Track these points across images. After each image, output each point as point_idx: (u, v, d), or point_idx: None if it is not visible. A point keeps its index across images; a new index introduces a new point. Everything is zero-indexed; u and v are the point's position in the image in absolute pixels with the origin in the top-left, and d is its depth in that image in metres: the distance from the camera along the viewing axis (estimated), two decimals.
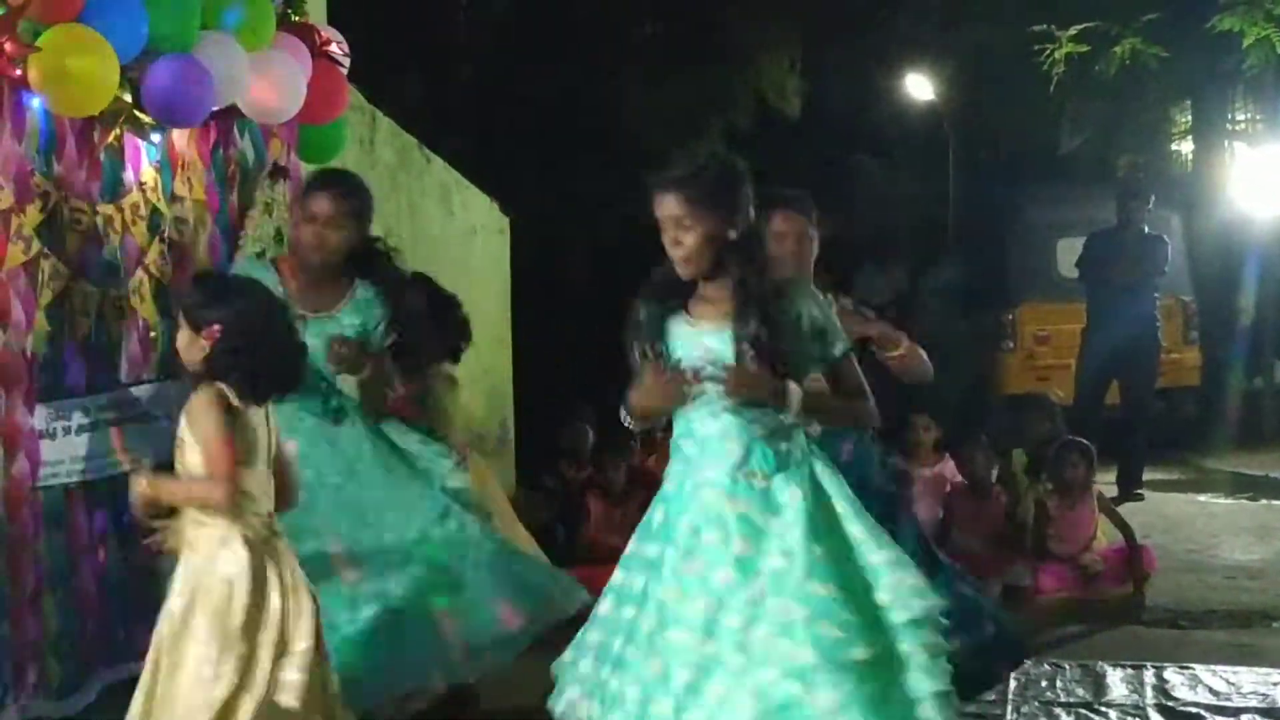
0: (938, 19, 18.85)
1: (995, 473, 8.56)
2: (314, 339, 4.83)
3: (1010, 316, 13.30)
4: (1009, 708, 5.75)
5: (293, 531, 4.26)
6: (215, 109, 5.27)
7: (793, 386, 3.85)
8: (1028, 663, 6.28)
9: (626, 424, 3.98)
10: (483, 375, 11.36)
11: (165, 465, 4.13)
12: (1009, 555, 7.89)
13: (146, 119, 5.07)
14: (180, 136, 5.46)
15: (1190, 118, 18.11)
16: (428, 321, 5.77)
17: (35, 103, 4.69)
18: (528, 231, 13.51)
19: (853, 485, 5.16)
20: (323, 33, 5.96)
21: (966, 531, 8.04)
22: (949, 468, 8.59)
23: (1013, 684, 6.01)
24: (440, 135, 11.65)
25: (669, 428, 4.01)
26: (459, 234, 11.05)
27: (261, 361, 3.99)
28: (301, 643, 3.96)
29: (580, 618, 4.17)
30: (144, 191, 5.31)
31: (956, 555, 7.85)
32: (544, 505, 8.81)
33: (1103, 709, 5.72)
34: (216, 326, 3.95)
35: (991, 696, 5.89)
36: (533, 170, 16.91)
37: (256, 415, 4.03)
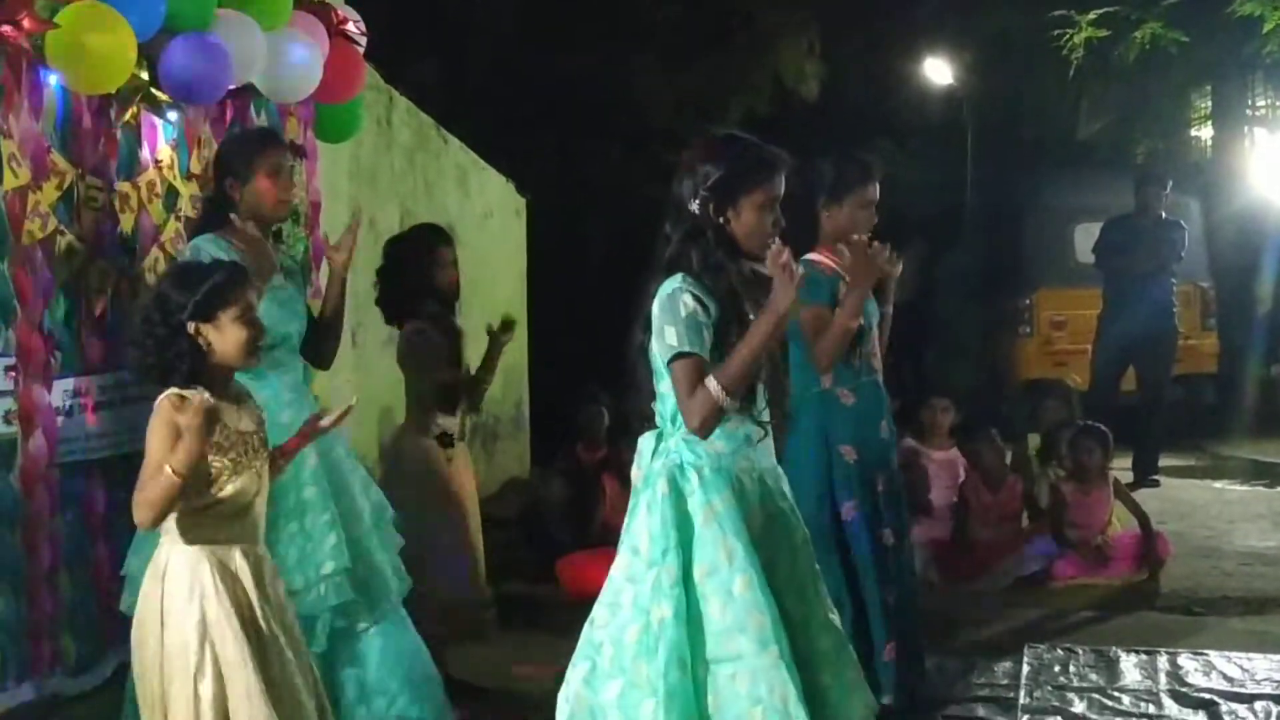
0: (957, 3, 18.78)
1: (1009, 460, 8.55)
2: (279, 305, 4.83)
3: (1027, 302, 13.28)
4: (1022, 692, 5.75)
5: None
6: (232, 87, 5.28)
7: None
8: (1041, 647, 6.30)
9: (722, 401, 3.69)
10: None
11: None
12: (1024, 541, 7.89)
13: (163, 97, 5.08)
14: (197, 115, 5.47)
15: (1210, 103, 18.04)
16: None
17: (53, 80, 4.70)
18: (544, 213, 13.52)
19: (888, 462, 5.24)
20: (340, 12, 5.96)
21: (982, 522, 8.03)
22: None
23: (1026, 668, 6.02)
24: (457, 116, 11.64)
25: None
26: (476, 215, 11.07)
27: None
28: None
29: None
30: (160, 169, 5.32)
31: (974, 545, 7.90)
32: (558, 487, 8.81)
33: (1116, 694, 5.72)
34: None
35: (1005, 680, 5.90)
36: (550, 152, 16.90)
37: (237, 413, 3.92)
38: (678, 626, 3.67)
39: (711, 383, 3.67)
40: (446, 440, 5.89)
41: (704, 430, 3.72)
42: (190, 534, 3.82)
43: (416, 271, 5.90)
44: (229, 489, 3.83)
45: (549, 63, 17.20)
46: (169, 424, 3.70)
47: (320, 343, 5.21)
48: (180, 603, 3.79)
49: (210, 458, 3.79)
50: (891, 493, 5.21)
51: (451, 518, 5.84)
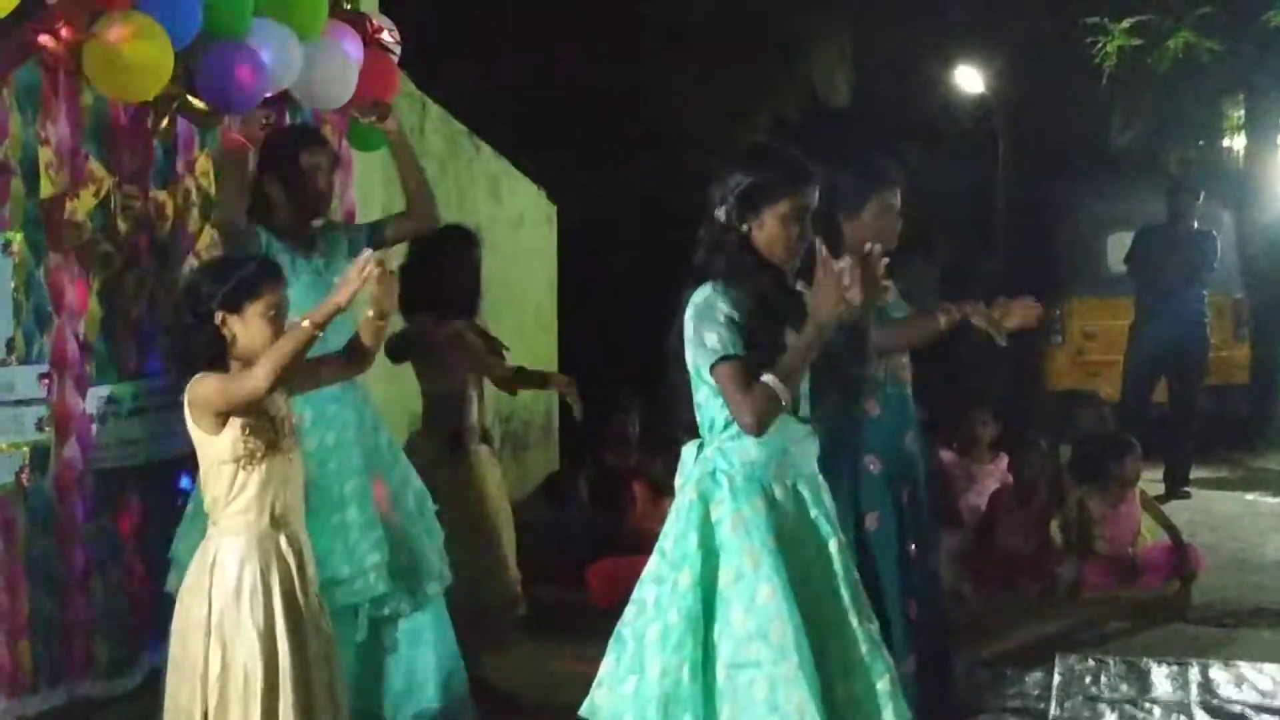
0: (988, 10, 18.73)
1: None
2: (310, 287, 4.86)
3: (1059, 311, 13.21)
4: (1053, 702, 5.74)
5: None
6: (268, 96, 5.30)
7: None
8: (1072, 657, 6.28)
9: (781, 394, 3.68)
10: (527, 361, 11.37)
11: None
12: (1055, 554, 7.86)
13: (200, 105, 5.11)
14: (233, 123, 5.49)
15: (1243, 113, 17.94)
16: None
17: (90, 88, 4.72)
18: (574, 220, 13.54)
19: (914, 474, 5.22)
20: (374, 20, 5.99)
21: (1009, 532, 8.00)
22: (1003, 466, 8.54)
23: (1056, 679, 6.01)
24: (489, 124, 11.66)
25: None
26: (506, 222, 11.09)
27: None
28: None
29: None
30: (196, 177, 5.35)
31: (1002, 554, 7.87)
32: (586, 492, 8.83)
33: (1147, 705, 5.70)
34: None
35: (1035, 691, 5.88)
36: (580, 159, 16.91)
37: (271, 398, 3.97)
38: (685, 631, 3.71)
39: (769, 377, 3.68)
40: (456, 442, 5.90)
41: (761, 426, 3.71)
42: (234, 520, 3.87)
43: (437, 270, 5.93)
44: (262, 471, 3.88)
45: (579, 70, 17.22)
46: (217, 384, 3.83)
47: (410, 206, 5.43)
48: (230, 591, 3.87)
49: (243, 439, 3.86)
50: (916, 505, 5.19)
51: (461, 519, 5.85)
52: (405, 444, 6.23)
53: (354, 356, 4.25)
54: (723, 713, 3.69)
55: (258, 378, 3.78)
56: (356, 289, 3.82)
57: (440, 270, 5.93)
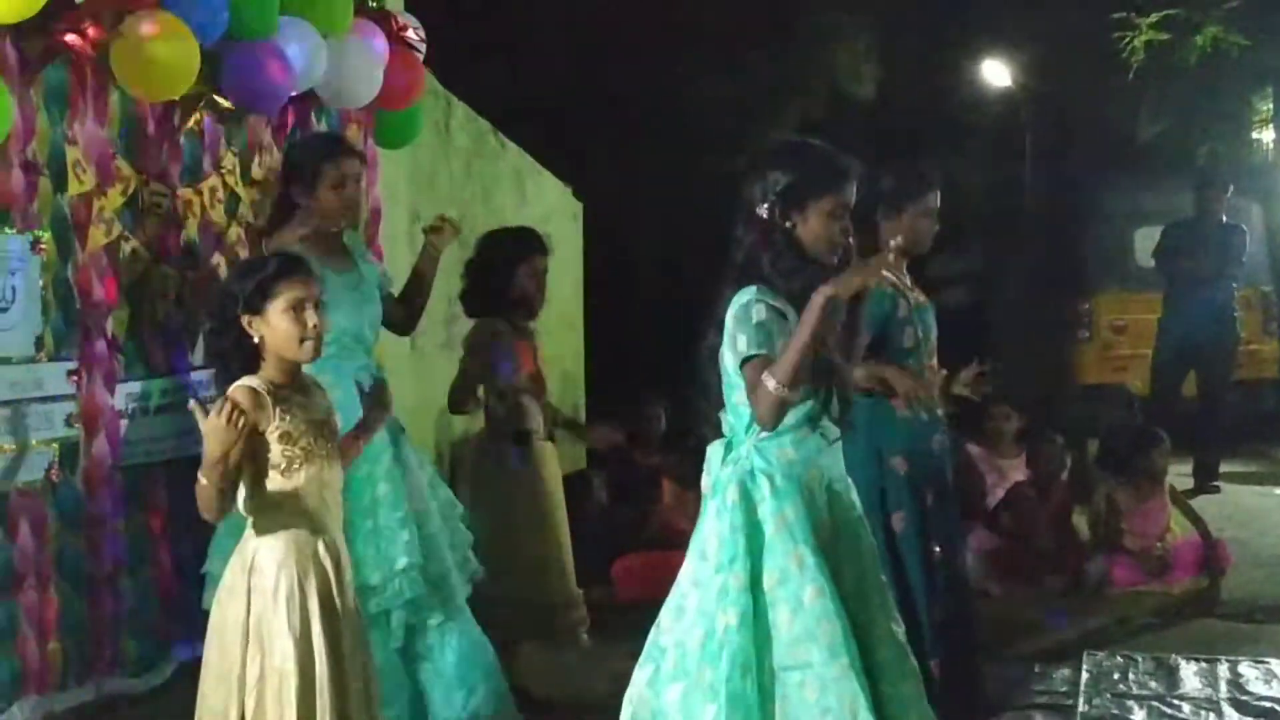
0: (1016, 5, 18.68)
1: (1067, 466, 8.47)
2: (353, 302, 4.88)
3: (1087, 306, 13.16)
4: (1081, 699, 5.72)
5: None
6: (293, 94, 5.32)
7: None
8: (1101, 654, 6.26)
9: (779, 393, 3.62)
10: (554, 359, 11.38)
11: None
12: (1083, 549, 7.83)
13: (226, 104, 5.14)
14: (259, 122, 5.51)
15: (1271, 106, 17.87)
16: None
17: (117, 87, 4.75)
18: (600, 217, 13.53)
19: (940, 475, 5.20)
20: (400, 19, 6.01)
21: (1027, 526, 7.97)
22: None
23: (1085, 675, 5.99)
24: (514, 120, 11.67)
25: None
26: (532, 219, 11.05)
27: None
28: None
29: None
30: (222, 175, 5.37)
31: (1027, 551, 7.85)
32: (612, 489, 8.83)
33: (1175, 702, 5.68)
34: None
35: (1064, 687, 5.87)
36: (606, 156, 16.91)
37: (306, 402, 3.93)
38: (743, 633, 3.69)
39: (767, 377, 3.64)
40: (522, 438, 5.90)
41: (766, 422, 3.69)
42: (272, 524, 3.86)
43: (505, 272, 5.94)
44: (301, 477, 3.86)
45: (604, 67, 17.22)
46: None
47: (401, 305, 5.32)
48: (268, 594, 3.83)
49: (281, 447, 3.83)
50: (942, 508, 5.17)
51: (529, 517, 5.86)
52: (472, 441, 6.25)
53: None
54: (775, 714, 3.69)
55: (210, 520, 3.85)
56: (227, 440, 3.67)
57: (510, 273, 5.94)
